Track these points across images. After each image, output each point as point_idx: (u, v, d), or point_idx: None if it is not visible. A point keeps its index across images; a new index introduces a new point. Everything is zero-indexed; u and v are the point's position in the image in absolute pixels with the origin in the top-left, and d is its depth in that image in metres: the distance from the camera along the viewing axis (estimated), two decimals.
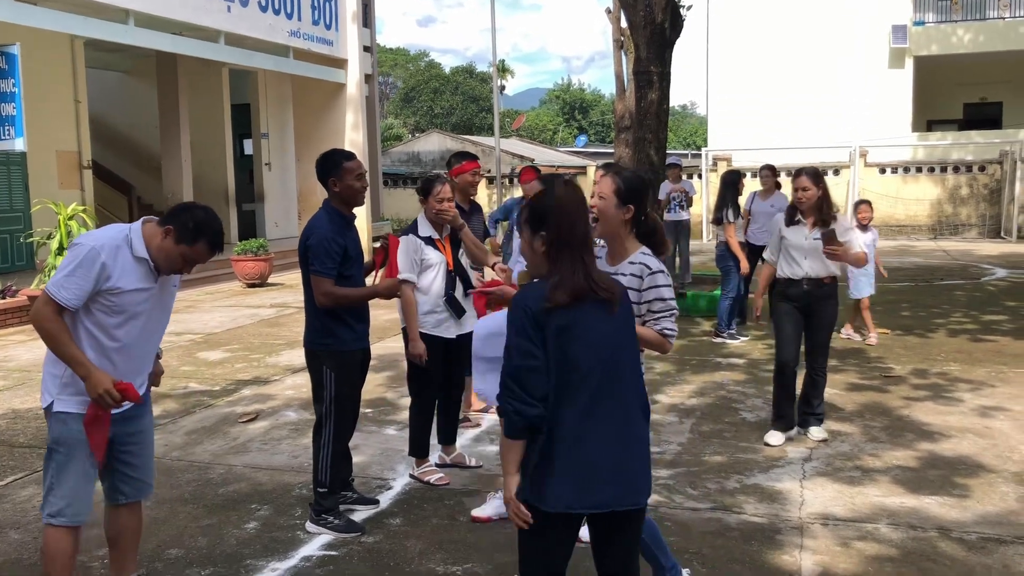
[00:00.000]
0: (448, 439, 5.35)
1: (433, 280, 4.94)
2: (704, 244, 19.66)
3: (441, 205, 4.89)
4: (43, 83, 14.00)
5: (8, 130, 11.11)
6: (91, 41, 13.74)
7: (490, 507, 4.57)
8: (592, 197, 3.23)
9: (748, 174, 19.10)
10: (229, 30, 14.41)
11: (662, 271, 3.22)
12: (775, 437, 5.61)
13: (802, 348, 5.69)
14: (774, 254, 5.76)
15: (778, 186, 9.61)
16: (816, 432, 5.67)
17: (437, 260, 4.95)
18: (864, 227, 8.84)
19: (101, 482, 3.41)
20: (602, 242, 3.34)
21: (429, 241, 4.94)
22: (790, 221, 5.61)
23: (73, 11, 11.72)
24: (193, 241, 3.18)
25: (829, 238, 5.31)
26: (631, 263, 3.24)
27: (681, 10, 11.68)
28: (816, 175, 5.52)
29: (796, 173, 5.60)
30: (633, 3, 10.79)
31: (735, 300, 9.05)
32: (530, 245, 2.66)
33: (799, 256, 5.53)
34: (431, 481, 5.06)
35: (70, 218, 10.77)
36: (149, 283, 3.24)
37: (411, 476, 5.14)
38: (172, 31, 13.54)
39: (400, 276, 4.75)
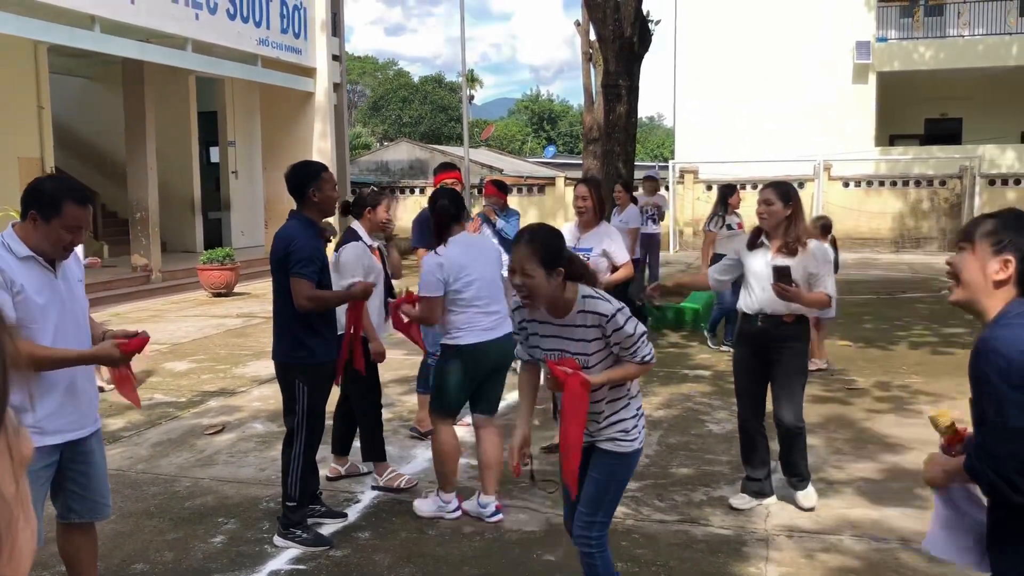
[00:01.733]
0: (346, 451, 5.42)
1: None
2: (671, 256, 19.82)
3: (388, 216, 5.26)
4: (5, 88, 13.80)
5: None
6: (55, 47, 13.56)
7: (430, 504, 4.73)
8: (513, 274, 3.08)
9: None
10: (197, 38, 14.30)
11: (618, 310, 3.08)
12: (740, 500, 4.77)
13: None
14: (719, 275, 4.91)
15: (634, 201, 10.42)
16: (803, 499, 4.72)
17: (379, 268, 5.15)
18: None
19: (53, 501, 3.33)
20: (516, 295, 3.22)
21: (369, 249, 5.07)
22: (752, 243, 4.67)
23: (37, 16, 11.57)
24: (58, 209, 3.08)
25: (781, 274, 4.33)
26: (581, 312, 3.10)
27: (650, 25, 11.79)
28: (785, 192, 4.56)
29: (763, 188, 4.66)
30: (602, 17, 10.87)
31: (722, 311, 9.14)
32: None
33: (756, 286, 4.60)
34: (401, 485, 5.07)
35: None
36: (46, 277, 3.15)
37: (376, 488, 5.13)
38: (139, 38, 13.41)
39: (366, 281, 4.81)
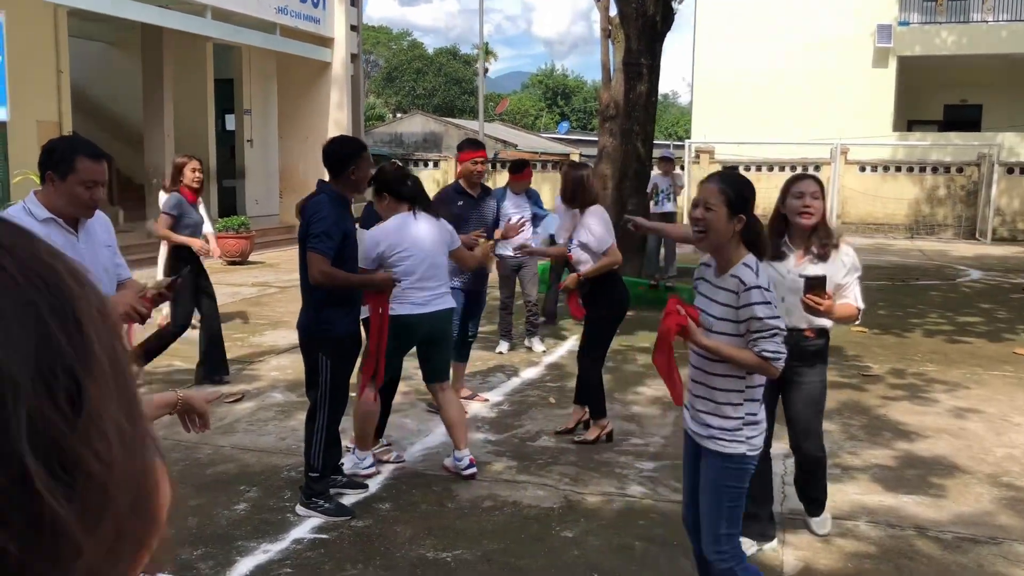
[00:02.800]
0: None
1: None
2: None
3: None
4: (24, 52, 13.78)
5: None
6: (75, 11, 13.54)
7: (348, 462, 4.92)
8: (696, 208, 3.05)
9: (740, 168, 19.23)
10: (216, 5, 14.26)
11: (757, 286, 2.96)
12: (743, 544, 3.74)
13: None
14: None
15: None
16: (816, 526, 4.28)
17: None
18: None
19: None
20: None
21: None
22: (777, 253, 3.93)
23: None
24: (72, 165, 3.14)
25: (813, 285, 3.70)
26: (732, 276, 3.01)
27: (673, 4, 11.71)
28: (820, 183, 3.98)
29: (795, 179, 4.00)
30: None
31: None
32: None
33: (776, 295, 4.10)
34: (390, 459, 5.16)
35: None
36: (67, 240, 3.21)
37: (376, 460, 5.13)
38: (158, 3, 13.39)
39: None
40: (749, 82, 23.66)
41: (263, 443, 5.54)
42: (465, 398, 6.44)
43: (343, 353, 4.42)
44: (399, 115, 42.75)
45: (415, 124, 27.47)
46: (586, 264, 5.51)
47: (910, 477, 5.06)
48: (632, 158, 11.03)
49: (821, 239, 3.90)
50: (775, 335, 2.95)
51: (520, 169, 7.86)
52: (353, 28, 18.54)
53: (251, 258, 14.47)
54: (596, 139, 24.41)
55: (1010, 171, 20.73)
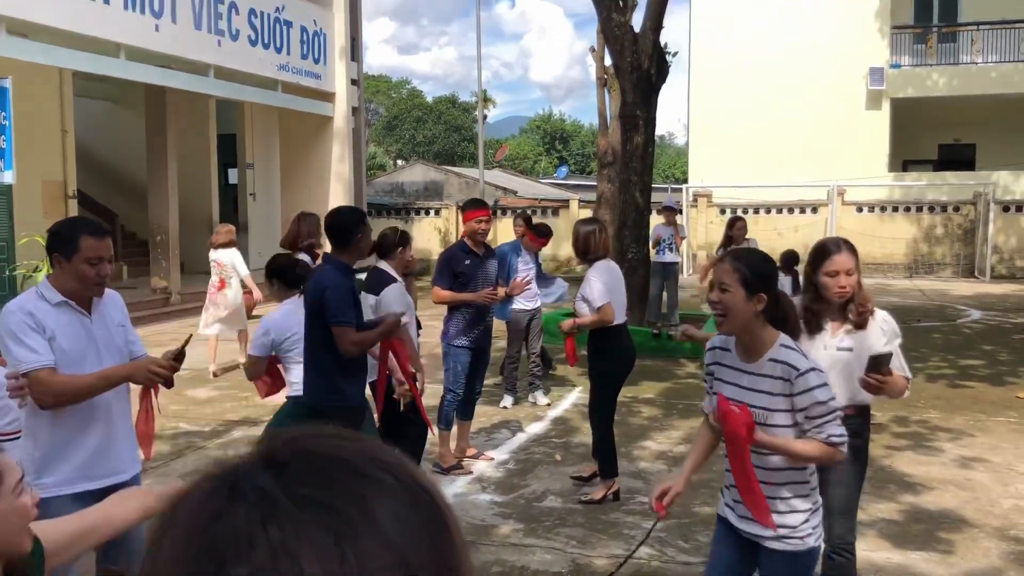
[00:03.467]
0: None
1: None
2: (684, 279, 19.86)
3: (413, 255, 5.95)
4: (30, 113, 13.98)
5: None
6: (79, 71, 13.79)
7: None
8: (711, 291, 2.95)
9: (739, 210, 19.45)
10: (219, 64, 14.51)
11: (812, 369, 2.80)
12: None
13: None
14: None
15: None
16: None
17: (410, 304, 5.83)
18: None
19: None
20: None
21: None
22: (812, 327, 3.56)
23: (65, 44, 11.78)
24: (76, 245, 3.20)
25: (879, 364, 3.34)
26: (773, 361, 2.83)
27: (667, 56, 11.92)
28: (853, 247, 3.62)
29: (825, 252, 3.59)
30: (620, 49, 11.01)
31: None
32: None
33: None
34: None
35: None
36: (80, 321, 3.27)
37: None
38: (162, 64, 13.63)
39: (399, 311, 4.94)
40: (745, 125, 23.93)
41: None
42: (470, 457, 6.46)
43: (350, 423, 4.46)
44: (399, 162, 43.11)
45: (416, 173, 27.73)
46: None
47: (917, 532, 5.07)
48: (631, 207, 11.15)
49: (858, 307, 3.57)
50: (837, 417, 2.80)
51: (547, 235, 8.25)
52: (354, 82, 18.81)
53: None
54: (595, 183, 24.63)
55: (1006, 209, 20.89)
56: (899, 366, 3.54)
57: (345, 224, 4.46)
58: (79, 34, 11.80)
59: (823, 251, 3.60)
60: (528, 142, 69.33)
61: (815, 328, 3.57)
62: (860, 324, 3.57)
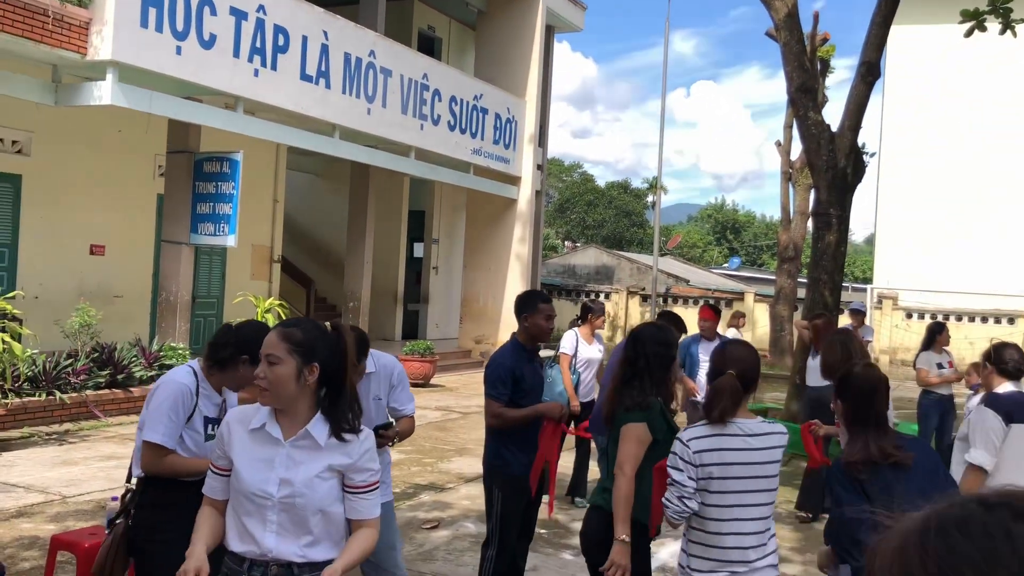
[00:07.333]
0: None
1: None
2: None
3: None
4: (248, 183, 15.34)
5: (223, 227, 12.24)
6: (293, 147, 15.04)
7: None
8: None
9: (926, 316, 18.59)
10: (419, 146, 15.46)
11: None
12: None
13: None
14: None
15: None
16: None
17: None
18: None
19: None
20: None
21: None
22: None
23: (288, 123, 12.94)
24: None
25: None
26: None
27: (864, 156, 11.77)
28: None
29: None
30: (816, 148, 10.97)
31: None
32: None
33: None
34: None
35: (267, 311, 11.67)
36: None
37: None
38: (369, 144, 14.67)
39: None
40: (936, 226, 22.96)
41: (461, 573, 5.75)
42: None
43: (514, 490, 4.68)
44: (567, 244, 43.85)
45: (588, 256, 28.18)
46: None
47: None
48: (820, 306, 10.93)
49: None
50: None
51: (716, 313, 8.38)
52: (539, 167, 19.52)
53: (432, 381, 15.09)
54: (766, 276, 24.19)
55: None
56: None
57: (520, 303, 4.84)
58: (301, 114, 12.94)
59: None
60: (698, 230, 68.99)
61: None
62: None
